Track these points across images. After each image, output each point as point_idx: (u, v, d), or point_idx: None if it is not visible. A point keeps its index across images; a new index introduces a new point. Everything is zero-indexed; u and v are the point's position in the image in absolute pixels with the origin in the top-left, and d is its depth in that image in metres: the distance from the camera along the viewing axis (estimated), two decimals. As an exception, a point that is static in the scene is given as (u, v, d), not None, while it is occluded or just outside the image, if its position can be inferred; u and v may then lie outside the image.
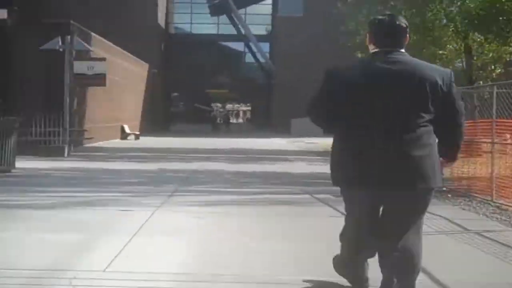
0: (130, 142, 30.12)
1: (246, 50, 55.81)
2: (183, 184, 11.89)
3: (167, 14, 52.53)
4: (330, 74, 3.81)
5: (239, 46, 56.21)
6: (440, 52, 19.75)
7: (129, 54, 35.88)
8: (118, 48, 33.11)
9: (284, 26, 47.46)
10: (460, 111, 3.80)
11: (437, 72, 3.75)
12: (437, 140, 3.75)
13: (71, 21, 22.50)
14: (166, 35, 51.85)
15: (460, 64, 20.39)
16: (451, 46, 19.98)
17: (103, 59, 23.32)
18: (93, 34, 27.47)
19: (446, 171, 8.97)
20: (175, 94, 75.01)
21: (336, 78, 3.77)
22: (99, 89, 27.69)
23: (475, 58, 19.79)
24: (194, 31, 55.18)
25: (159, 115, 47.90)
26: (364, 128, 3.61)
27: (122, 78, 33.21)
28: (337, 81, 3.74)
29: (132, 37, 43.05)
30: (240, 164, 16.90)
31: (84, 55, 23.38)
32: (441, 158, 3.76)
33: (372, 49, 3.83)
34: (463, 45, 19.53)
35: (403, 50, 3.76)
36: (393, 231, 3.71)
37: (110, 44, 31.23)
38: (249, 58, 57.25)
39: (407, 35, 3.81)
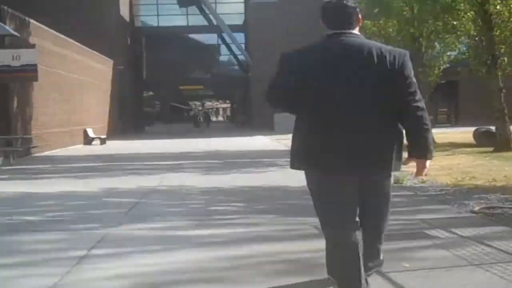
0: (93, 148, 26.42)
1: (220, 42, 52.00)
2: (120, 220, 7.50)
3: (131, 6, 48.56)
4: (285, 57, 3.83)
5: (211, 38, 52.26)
6: (454, 22, 16.46)
7: (89, 50, 32.20)
8: (76, 43, 29.36)
9: (258, 13, 44.00)
10: (416, 92, 3.68)
11: (389, 51, 3.70)
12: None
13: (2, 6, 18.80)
14: (132, 28, 47.90)
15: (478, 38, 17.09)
16: (466, 15, 16.64)
17: (33, 46, 19.40)
18: (40, 25, 23.75)
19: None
20: (150, 93, 71.60)
21: (291, 61, 3.77)
22: (52, 88, 24.11)
23: (496, 30, 16.49)
24: (162, 24, 51.11)
25: (131, 116, 44.14)
26: (322, 112, 3.64)
27: (82, 76, 29.52)
28: (292, 63, 3.74)
29: (94, 32, 39.34)
30: (217, 175, 13.13)
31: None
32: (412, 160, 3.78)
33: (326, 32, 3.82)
34: (480, 12, 16.22)
35: (355, 31, 3.79)
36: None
37: (65, 38, 27.51)
38: (223, 51, 53.48)
39: (359, 16, 3.81)
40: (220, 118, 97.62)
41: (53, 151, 23.56)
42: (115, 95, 38.37)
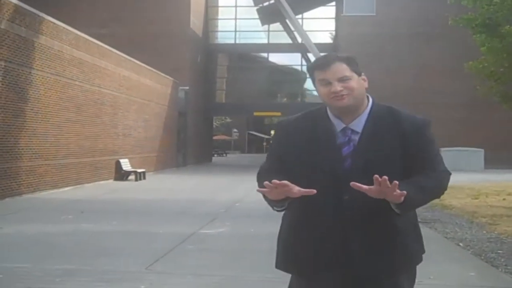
0: (118, 187, 19.81)
1: (304, 63, 44.92)
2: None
3: (206, 20, 42.55)
4: None
5: (295, 58, 45.25)
6: None
7: (138, 62, 25.91)
8: (117, 51, 23.14)
9: (351, 28, 36.95)
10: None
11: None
12: None
13: None
14: (205, 45, 41.79)
15: None
16: None
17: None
18: (58, 23, 17.79)
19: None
20: (227, 119, 65.63)
21: None
22: (66, 105, 17.95)
23: None
24: (240, 41, 44.77)
25: (195, 145, 37.78)
26: None
27: (121, 93, 23.18)
28: None
29: (157, 45, 33.78)
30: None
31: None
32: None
33: None
34: None
35: None
36: None
37: (101, 44, 21.35)
38: (308, 73, 46.36)
39: None
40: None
41: (59, 190, 17.22)
42: (173, 119, 32.07)
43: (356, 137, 2.60)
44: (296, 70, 47.19)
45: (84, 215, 11.85)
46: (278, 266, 2.85)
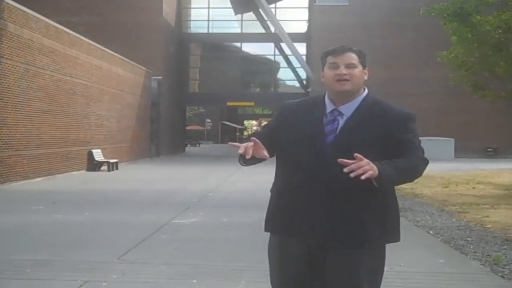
0: (90, 177, 19.67)
1: (277, 52, 44.87)
2: None
3: (179, 9, 42.25)
4: None
5: (268, 48, 45.15)
6: None
7: (111, 52, 25.65)
8: (88, 40, 22.88)
9: (324, 18, 36.99)
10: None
11: None
12: None
13: None
14: (178, 34, 41.53)
15: None
16: None
17: None
18: (25, 9, 17.51)
19: None
20: (200, 109, 65.30)
21: None
22: (37, 95, 17.71)
23: None
24: (213, 30, 44.58)
25: (168, 135, 37.61)
26: None
27: (91, 83, 22.93)
28: None
29: (129, 35, 33.51)
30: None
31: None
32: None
33: None
34: None
35: None
36: None
37: (71, 32, 21.07)
38: (281, 63, 46.27)
39: None
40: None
41: (30, 180, 17.03)
42: (146, 109, 31.87)
43: (341, 119, 2.95)
44: (269, 59, 47.15)
45: (56, 206, 11.75)
46: (265, 228, 3.18)
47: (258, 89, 51.30)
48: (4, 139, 15.98)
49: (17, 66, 16.62)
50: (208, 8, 44.32)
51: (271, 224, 3.12)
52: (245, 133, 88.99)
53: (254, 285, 5.60)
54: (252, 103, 47.35)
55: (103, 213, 10.74)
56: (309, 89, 39.24)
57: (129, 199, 13.39)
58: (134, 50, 32.08)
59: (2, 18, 15.81)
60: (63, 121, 19.96)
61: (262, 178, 19.19)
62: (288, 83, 48.54)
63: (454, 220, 9.85)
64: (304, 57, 41.55)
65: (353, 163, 2.64)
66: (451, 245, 7.75)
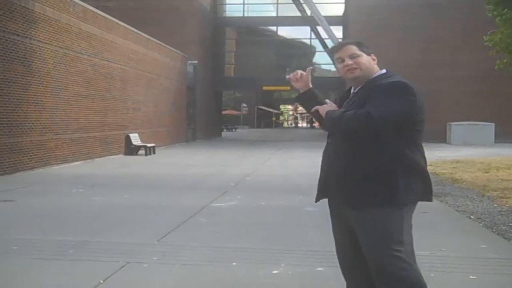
0: (128, 162, 19.90)
1: (313, 36, 44.55)
2: None
3: (216, -7, 42.22)
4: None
5: (304, 31, 44.84)
6: None
7: (147, 36, 25.78)
8: (125, 25, 23.03)
9: (361, 0, 36.45)
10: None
11: None
12: None
13: None
14: (213, 18, 41.53)
15: None
16: None
17: None
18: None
19: None
20: (236, 93, 65.37)
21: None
22: (75, 79, 17.93)
23: None
24: (249, 14, 44.42)
25: (205, 119, 37.76)
26: None
27: (130, 67, 23.12)
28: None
29: (166, 20, 33.61)
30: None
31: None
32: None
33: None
34: None
35: None
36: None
37: (108, 17, 21.23)
38: (317, 47, 45.95)
39: None
40: (315, 125, 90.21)
41: (69, 164, 17.30)
42: (182, 93, 32.02)
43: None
44: (305, 43, 46.87)
45: (95, 189, 11.91)
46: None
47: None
48: (44, 123, 16.23)
49: (55, 50, 16.83)
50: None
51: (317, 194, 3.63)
52: (281, 117, 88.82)
53: (293, 268, 5.58)
54: (288, 88, 46.94)
55: (141, 196, 10.85)
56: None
57: (167, 182, 13.49)
58: (170, 35, 32.21)
59: (41, 2, 15.99)
60: (100, 105, 20.18)
61: (298, 162, 19.28)
62: (324, 67, 48.19)
63: (495, 205, 9.67)
64: (340, 41, 41.21)
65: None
66: (493, 230, 7.61)
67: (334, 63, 3.54)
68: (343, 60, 3.41)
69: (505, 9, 14.62)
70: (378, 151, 3.22)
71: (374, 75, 3.38)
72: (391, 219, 3.23)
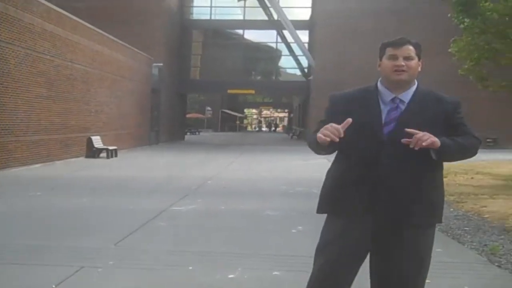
0: (89, 165, 19.69)
1: (279, 40, 44.75)
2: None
3: (182, -5, 42.05)
4: None
5: (270, 35, 45.00)
6: None
7: (110, 36, 25.54)
8: (91, 26, 22.80)
9: (328, 5, 36.62)
10: None
11: None
12: None
13: None
14: (180, 21, 41.38)
15: None
16: None
17: None
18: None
19: None
20: (200, 96, 65.19)
21: None
22: (37, 80, 17.66)
23: None
24: (215, 17, 44.37)
25: (169, 122, 37.58)
26: None
27: (93, 69, 22.88)
28: None
29: (132, 21, 33.35)
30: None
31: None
32: None
33: None
34: None
35: None
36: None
37: (73, 18, 20.98)
38: (283, 50, 46.12)
39: None
40: (279, 129, 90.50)
41: (29, 166, 17.03)
42: (146, 95, 31.81)
43: (402, 106, 3.18)
44: (271, 47, 47.01)
45: (54, 192, 11.76)
46: (319, 210, 3.35)
47: (259, 77, 51.15)
48: (3, 125, 15.96)
49: (17, 50, 16.57)
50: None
51: (327, 205, 3.31)
52: (245, 121, 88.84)
53: (250, 272, 5.59)
54: (253, 91, 47.19)
55: (101, 200, 10.75)
56: (311, 77, 39.16)
57: (128, 185, 13.39)
58: (136, 36, 31.96)
59: (3, 1, 15.73)
60: (62, 107, 19.93)
61: (261, 167, 19.30)
62: (289, 71, 48.46)
63: (452, 209, 9.84)
64: (306, 45, 41.43)
65: (413, 139, 2.96)
66: (449, 234, 7.75)
67: (380, 57, 3.27)
68: (396, 58, 3.17)
69: (466, 18, 14.89)
70: (439, 167, 3.26)
71: (417, 84, 3.27)
72: (431, 240, 3.27)
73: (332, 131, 2.93)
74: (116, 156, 22.81)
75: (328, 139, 2.93)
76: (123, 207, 9.85)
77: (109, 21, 30.84)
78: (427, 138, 2.93)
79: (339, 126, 2.95)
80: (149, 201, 10.62)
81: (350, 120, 2.96)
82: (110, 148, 22.70)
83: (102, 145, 22.84)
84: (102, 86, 24.19)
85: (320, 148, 3.10)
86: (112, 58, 25.52)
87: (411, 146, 2.96)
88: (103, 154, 22.49)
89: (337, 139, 2.94)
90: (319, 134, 2.98)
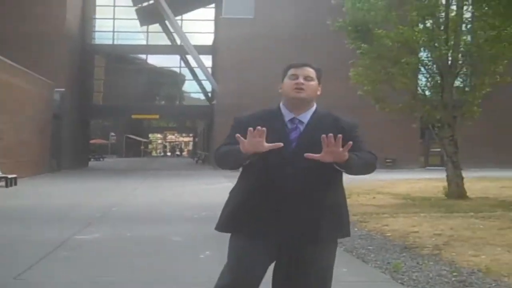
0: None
1: (183, 65, 44.73)
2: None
3: (84, 19, 41.26)
4: None
5: (174, 60, 44.94)
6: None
7: (8, 61, 24.65)
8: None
9: (229, 31, 37.03)
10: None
11: None
12: None
13: None
14: (82, 45, 40.55)
15: None
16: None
17: None
18: None
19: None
20: (104, 122, 64.01)
21: None
22: None
23: None
24: (118, 42, 43.81)
25: (72, 149, 36.53)
26: None
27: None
28: None
29: (34, 48, 32.27)
30: None
31: None
32: None
33: None
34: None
35: None
36: None
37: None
38: (187, 75, 46.17)
39: None
40: (184, 154, 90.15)
41: None
42: (48, 122, 30.84)
43: (301, 126, 3.31)
44: (175, 72, 46.99)
45: None
46: (219, 227, 3.40)
47: (163, 102, 50.93)
48: None
49: None
50: (113, 19, 43.69)
51: (232, 224, 3.33)
52: (150, 146, 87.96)
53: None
54: (157, 116, 46.88)
55: (0, 230, 10.27)
56: (214, 102, 39.32)
57: (28, 215, 12.88)
58: (37, 61, 30.98)
59: None
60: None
61: (166, 192, 19.10)
62: (193, 95, 48.61)
63: (356, 229, 10.09)
64: (209, 70, 41.66)
65: (319, 156, 3.06)
66: (353, 254, 7.93)
67: (283, 77, 3.44)
68: (297, 77, 3.34)
69: (362, 44, 15.50)
70: (339, 184, 3.42)
71: (316, 107, 3.42)
72: (334, 254, 3.42)
73: (254, 142, 3.04)
74: (16, 184, 21.93)
75: (253, 150, 3.05)
76: (23, 237, 9.45)
77: (8, 46, 29.74)
78: (341, 151, 3.06)
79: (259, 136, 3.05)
80: (52, 230, 10.24)
81: (264, 129, 3.03)
82: (10, 176, 21.79)
83: (0, 173, 21.89)
84: (0, 113, 23.24)
85: (237, 159, 3.16)
86: (11, 84, 24.60)
87: (315, 157, 3.07)
88: (2, 183, 21.56)
89: (264, 149, 3.06)
90: (242, 145, 3.07)
